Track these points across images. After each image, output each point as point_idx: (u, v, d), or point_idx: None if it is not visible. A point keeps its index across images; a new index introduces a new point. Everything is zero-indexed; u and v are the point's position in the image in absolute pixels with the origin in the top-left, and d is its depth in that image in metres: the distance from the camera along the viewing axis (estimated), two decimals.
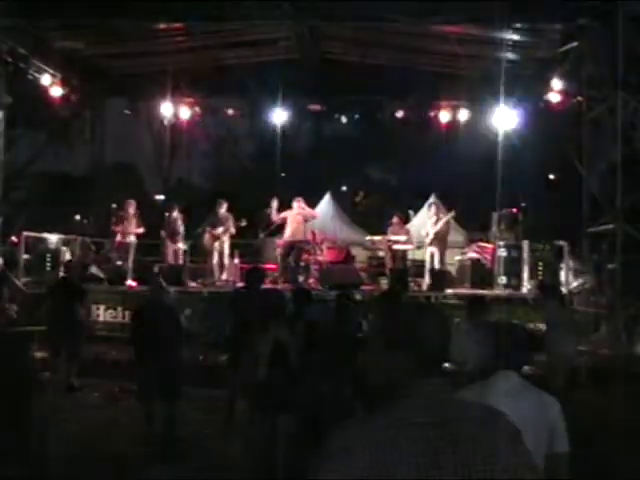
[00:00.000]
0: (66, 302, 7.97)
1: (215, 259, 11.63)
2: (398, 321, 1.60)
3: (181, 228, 11.98)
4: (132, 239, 11.89)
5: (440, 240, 11.43)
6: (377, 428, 1.44)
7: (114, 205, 12.16)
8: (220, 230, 11.55)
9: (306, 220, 11.64)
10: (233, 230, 11.72)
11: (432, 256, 11.49)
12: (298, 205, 11.65)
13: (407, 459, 1.38)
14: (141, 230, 11.99)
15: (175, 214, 12.03)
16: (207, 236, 11.63)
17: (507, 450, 1.44)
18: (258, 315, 5.66)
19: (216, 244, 11.58)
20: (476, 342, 4.90)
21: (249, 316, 6.19)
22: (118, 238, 11.83)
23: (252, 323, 5.92)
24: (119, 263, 11.67)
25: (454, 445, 1.40)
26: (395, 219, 12.08)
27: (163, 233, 11.99)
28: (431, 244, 11.50)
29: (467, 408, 1.53)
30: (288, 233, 11.59)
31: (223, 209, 11.72)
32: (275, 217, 11.61)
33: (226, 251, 11.83)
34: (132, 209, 11.88)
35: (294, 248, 11.45)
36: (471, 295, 7.64)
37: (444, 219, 11.56)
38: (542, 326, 9.81)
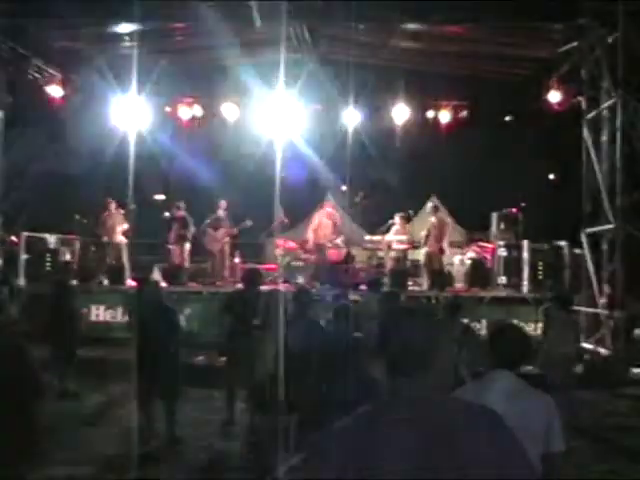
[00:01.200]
0: (61, 305, 7.96)
1: (216, 259, 11.63)
2: (393, 323, 1.61)
3: (185, 231, 12.00)
4: (121, 238, 11.91)
5: (438, 241, 11.43)
6: (369, 427, 1.45)
7: (113, 205, 12.18)
8: (221, 231, 11.55)
9: (335, 223, 11.69)
10: (235, 231, 11.72)
11: (429, 256, 11.50)
12: (330, 210, 11.73)
13: (398, 459, 1.38)
14: (126, 227, 12.00)
15: (181, 213, 12.02)
16: (208, 237, 11.63)
17: (501, 449, 1.44)
18: (258, 315, 5.67)
19: (217, 244, 11.58)
20: (458, 342, 4.92)
21: (247, 317, 6.19)
22: (106, 239, 11.86)
23: (251, 324, 5.92)
24: (112, 263, 11.69)
25: (449, 445, 1.40)
26: (396, 219, 12.07)
27: (170, 232, 12.00)
28: (426, 244, 11.52)
29: (460, 407, 1.53)
30: (319, 235, 11.60)
31: (223, 209, 11.71)
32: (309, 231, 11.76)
33: (227, 251, 11.84)
34: (113, 208, 11.90)
35: (323, 250, 11.50)
36: (451, 296, 7.63)
37: (443, 220, 11.60)
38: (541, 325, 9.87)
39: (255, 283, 6.79)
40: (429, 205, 11.96)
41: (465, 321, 6.30)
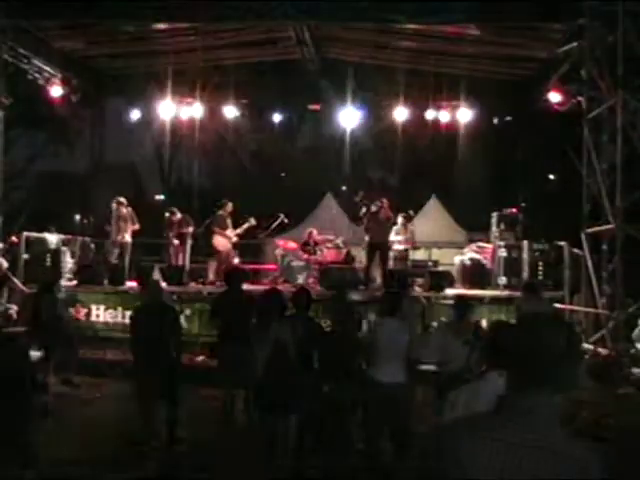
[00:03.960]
0: (52, 301, 7.99)
1: (222, 259, 11.64)
2: (530, 329, 1.59)
3: (187, 229, 12.04)
4: (127, 238, 11.91)
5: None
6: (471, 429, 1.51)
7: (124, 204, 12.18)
8: (229, 231, 11.58)
9: (387, 219, 11.56)
10: (240, 230, 11.75)
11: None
12: (381, 206, 11.68)
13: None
14: (137, 227, 12.00)
15: (178, 216, 12.07)
16: (216, 237, 11.63)
17: None
18: (259, 315, 5.66)
19: (226, 244, 11.61)
20: (463, 343, 4.91)
21: (236, 318, 6.16)
22: (112, 238, 11.87)
23: (240, 324, 5.90)
24: (115, 262, 11.69)
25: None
26: (400, 219, 12.07)
27: (169, 234, 12.03)
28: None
29: (563, 449, 1.49)
30: (371, 234, 11.53)
31: (229, 210, 11.73)
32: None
33: (233, 251, 11.86)
34: (123, 208, 11.89)
35: (378, 249, 11.41)
36: (457, 296, 7.61)
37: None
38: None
39: (236, 282, 6.72)
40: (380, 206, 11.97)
41: (476, 321, 6.25)
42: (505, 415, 1.45)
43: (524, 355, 1.48)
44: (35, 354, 7.77)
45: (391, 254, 11.90)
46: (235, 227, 11.67)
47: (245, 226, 11.73)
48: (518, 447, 1.39)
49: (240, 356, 5.64)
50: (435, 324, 9.93)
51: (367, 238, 11.52)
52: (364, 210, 11.66)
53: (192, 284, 11.50)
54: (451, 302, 6.73)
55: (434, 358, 5.18)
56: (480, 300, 10.31)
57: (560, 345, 1.47)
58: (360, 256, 12.80)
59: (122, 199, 11.97)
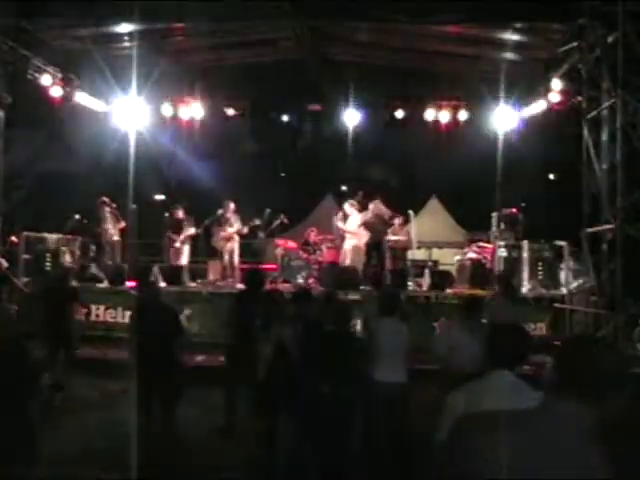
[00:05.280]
0: (60, 305, 7.96)
1: (224, 258, 11.65)
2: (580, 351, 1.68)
3: (187, 229, 12.04)
4: (115, 238, 11.93)
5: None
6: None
7: (114, 205, 12.19)
8: (231, 231, 11.59)
9: (384, 221, 11.61)
10: (245, 230, 11.77)
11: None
12: (374, 206, 11.70)
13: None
14: (122, 225, 12.03)
15: (180, 215, 12.07)
16: (218, 237, 11.61)
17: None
18: (259, 316, 5.67)
19: (227, 245, 11.60)
20: (479, 342, 4.91)
21: (252, 318, 6.17)
22: (103, 239, 11.90)
23: (254, 326, 5.91)
24: (109, 263, 11.72)
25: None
26: (395, 219, 12.09)
27: (168, 233, 12.05)
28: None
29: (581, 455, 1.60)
30: (368, 235, 11.55)
31: (230, 210, 11.73)
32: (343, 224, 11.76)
33: (236, 251, 11.87)
34: (107, 208, 11.93)
35: (376, 250, 11.42)
36: (468, 295, 7.57)
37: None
38: (542, 325, 9.87)
39: (260, 284, 6.74)
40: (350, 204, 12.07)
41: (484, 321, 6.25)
42: (536, 416, 1.49)
43: (577, 372, 1.58)
44: (41, 353, 7.80)
45: (389, 254, 11.92)
46: (241, 225, 11.72)
47: (250, 224, 11.78)
48: (543, 447, 1.42)
49: (250, 356, 5.65)
50: (436, 324, 9.95)
51: (359, 240, 11.62)
52: (339, 215, 11.83)
53: (192, 284, 11.50)
54: (458, 302, 6.70)
55: (451, 357, 5.19)
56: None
57: (611, 368, 1.62)
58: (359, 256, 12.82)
59: (105, 199, 12.03)
